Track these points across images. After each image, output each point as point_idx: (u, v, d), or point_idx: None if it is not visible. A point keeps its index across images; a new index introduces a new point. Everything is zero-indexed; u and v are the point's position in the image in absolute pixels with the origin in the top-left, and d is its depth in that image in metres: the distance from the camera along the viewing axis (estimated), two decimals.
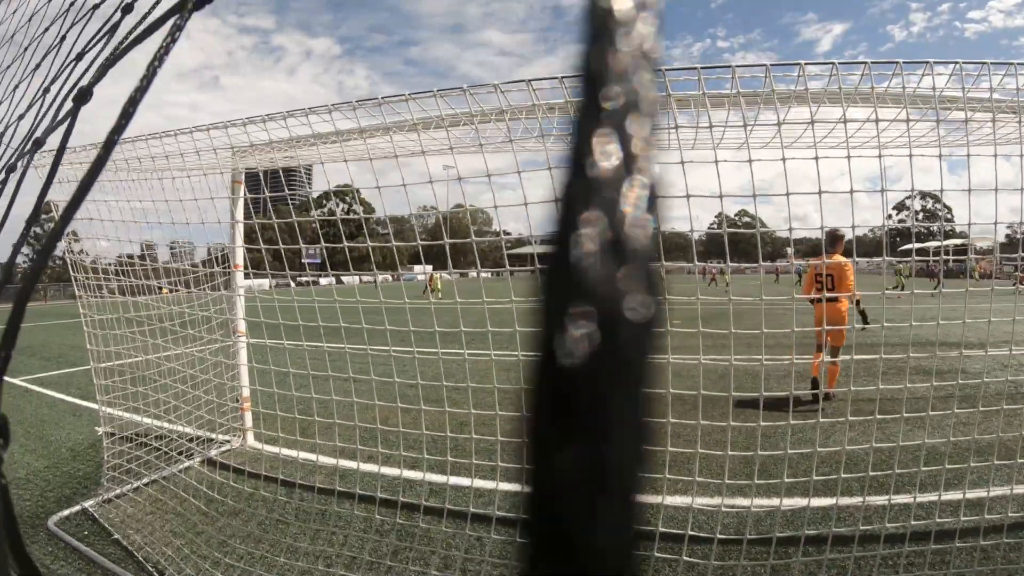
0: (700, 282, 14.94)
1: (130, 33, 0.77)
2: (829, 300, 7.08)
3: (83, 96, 0.78)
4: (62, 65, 1.08)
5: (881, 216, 3.17)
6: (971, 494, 3.46)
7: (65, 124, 0.84)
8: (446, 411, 3.55)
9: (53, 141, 0.89)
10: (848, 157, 3.04)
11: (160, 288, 5.48)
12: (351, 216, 3.65)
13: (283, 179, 4.14)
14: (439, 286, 28.81)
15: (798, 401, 3.81)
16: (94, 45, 0.95)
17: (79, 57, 1.00)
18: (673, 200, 3.26)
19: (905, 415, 3.08)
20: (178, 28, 0.58)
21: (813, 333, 6.48)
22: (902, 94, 3.00)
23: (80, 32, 1.13)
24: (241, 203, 5.64)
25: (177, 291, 5.41)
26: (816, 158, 3.01)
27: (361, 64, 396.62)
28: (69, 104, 0.81)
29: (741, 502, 4.11)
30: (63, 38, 1.19)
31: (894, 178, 3.12)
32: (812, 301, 7.40)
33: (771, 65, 2.83)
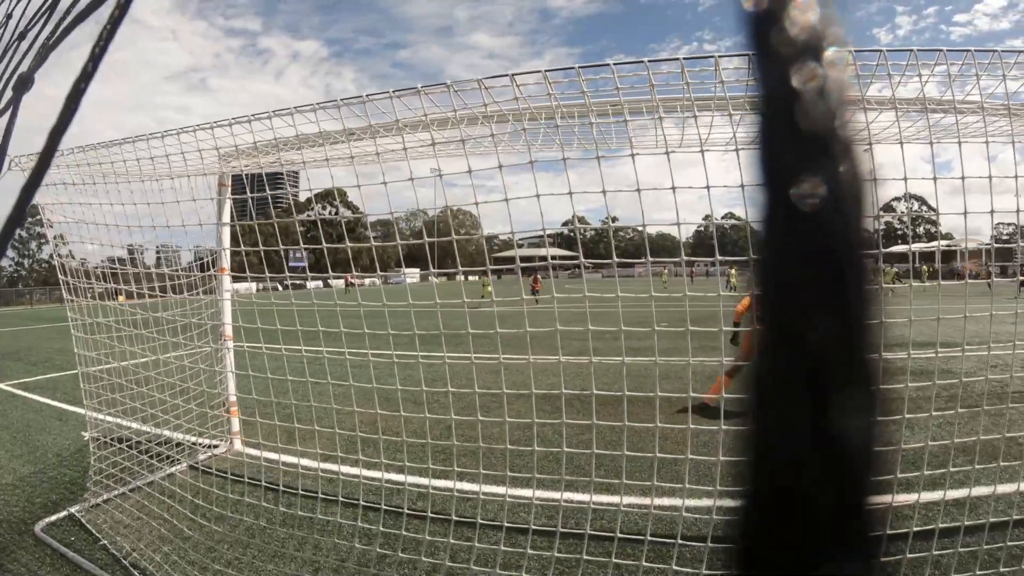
0: (690, 283, 14.81)
1: (67, 12, 0.74)
2: None
3: (24, 83, 0.75)
4: (6, 46, 1.04)
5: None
6: (959, 492, 3.48)
7: (8, 113, 0.81)
8: (426, 416, 3.53)
9: None
10: None
11: (118, 293, 5.43)
12: (337, 217, 3.62)
13: (268, 182, 4.11)
14: (488, 289, 26.67)
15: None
16: (36, 22, 0.92)
17: (21, 36, 0.97)
18: (660, 201, 3.26)
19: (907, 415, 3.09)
20: (125, 1, 0.54)
21: None
22: (887, 85, 3.01)
23: (24, 8, 1.09)
24: (228, 206, 5.62)
25: (133, 299, 5.36)
26: None
27: (349, 67, 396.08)
28: (9, 92, 0.78)
29: (726, 503, 4.11)
30: (9, 16, 1.15)
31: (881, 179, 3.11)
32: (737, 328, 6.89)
33: (754, 55, 2.82)
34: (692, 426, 3.07)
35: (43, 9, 0.89)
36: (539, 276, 30.30)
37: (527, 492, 3.72)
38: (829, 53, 0.27)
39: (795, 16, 0.27)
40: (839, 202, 0.25)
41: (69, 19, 0.71)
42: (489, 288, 26.17)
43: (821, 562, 0.24)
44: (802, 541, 0.24)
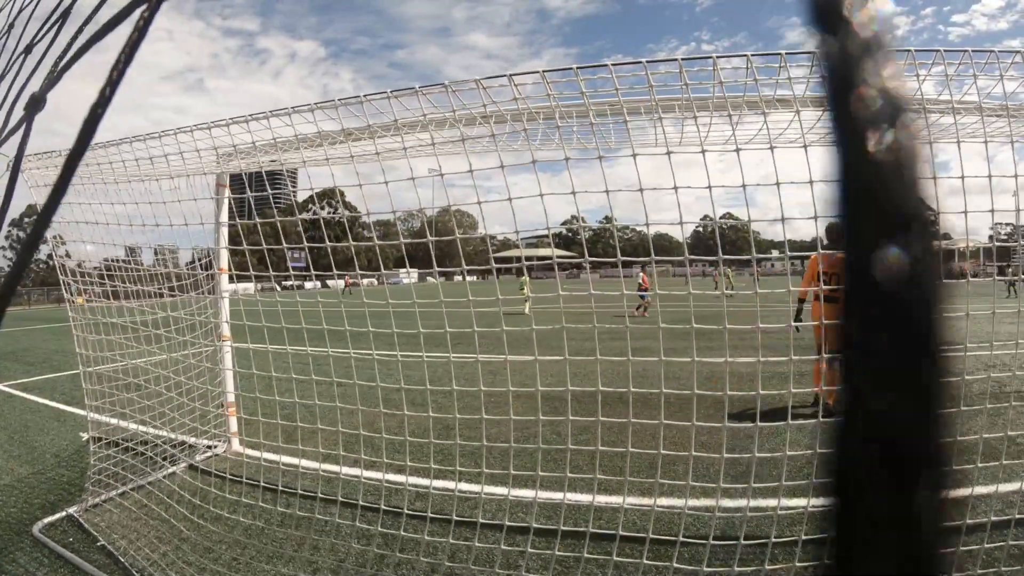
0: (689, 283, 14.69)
1: (80, 30, 0.73)
2: (833, 299, 6.78)
3: (35, 104, 0.74)
4: (10, 59, 1.03)
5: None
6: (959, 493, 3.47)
7: (20, 132, 0.80)
8: (430, 416, 3.53)
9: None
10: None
11: (77, 294, 5.43)
12: (336, 215, 3.62)
13: (267, 182, 4.11)
14: (527, 292, 24.64)
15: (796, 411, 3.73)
16: (43, 36, 0.91)
17: (28, 49, 0.96)
18: (658, 202, 3.26)
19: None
20: (144, 22, 0.52)
21: (811, 333, 6.65)
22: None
23: (27, 20, 1.07)
24: (226, 206, 5.61)
25: (90, 301, 5.35)
26: (805, 146, 3.00)
27: (346, 67, 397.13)
28: (21, 111, 0.77)
29: (726, 503, 4.11)
30: (11, 26, 1.13)
31: None
32: (812, 299, 7.39)
33: (752, 55, 2.82)
34: (696, 423, 3.07)
35: (51, 23, 0.89)
36: (645, 273, 24.08)
37: (525, 493, 3.72)
38: (903, 118, 0.27)
39: (873, 79, 0.27)
40: (918, 275, 0.25)
41: (83, 40, 0.70)
42: (526, 290, 24.75)
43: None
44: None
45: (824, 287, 7.11)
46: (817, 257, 6.94)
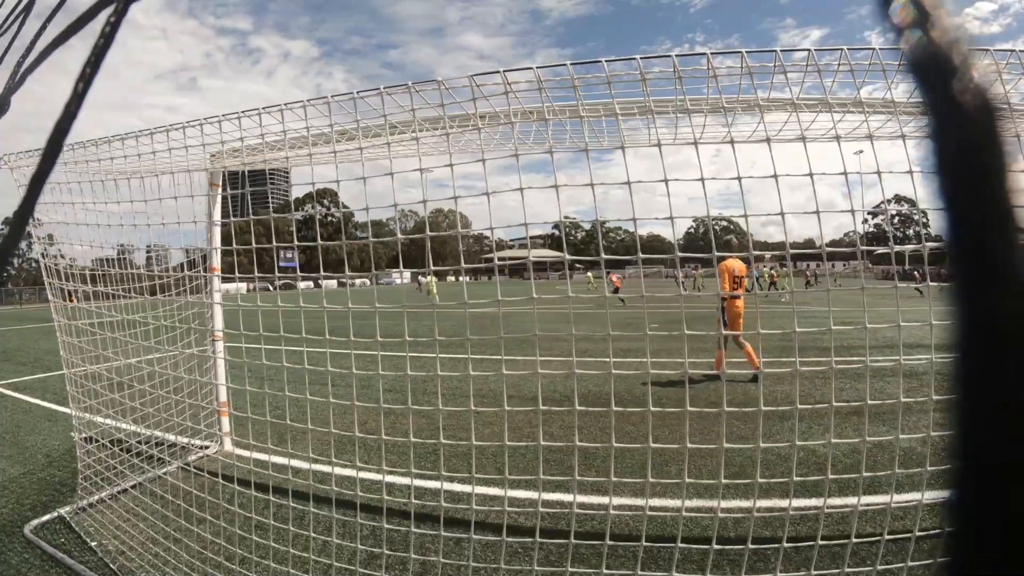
0: (681, 285, 14.84)
1: (42, 29, 0.70)
2: (736, 297, 9.00)
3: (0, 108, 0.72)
4: None
5: (861, 214, 3.14)
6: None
7: None
8: (414, 431, 3.52)
9: None
10: (837, 138, 3.03)
11: (70, 295, 5.38)
12: (330, 212, 3.60)
13: (259, 181, 4.09)
14: (434, 289, 28.62)
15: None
16: (2, 32, 0.88)
17: None
18: (650, 204, 3.26)
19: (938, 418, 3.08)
20: (111, 27, 0.48)
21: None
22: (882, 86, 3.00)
23: None
24: (219, 205, 5.60)
25: (73, 302, 5.31)
26: (804, 138, 2.99)
27: (339, 67, 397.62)
28: None
29: (725, 504, 4.10)
30: None
31: (871, 182, 3.08)
32: (729, 299, 9.40)
33: (747, 52, 2.81)
34: (690, 445, 3.05)
35: (15, 13, 0.86)
36: (615, 275, 32.73)
37: (495, 491, 3.70)
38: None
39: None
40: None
41: (46, 41, 0.66)
42: (434, 290, 28.00)
43: None
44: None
45: (737, 288, 8.93)
46: (731, 263, 8.74)
